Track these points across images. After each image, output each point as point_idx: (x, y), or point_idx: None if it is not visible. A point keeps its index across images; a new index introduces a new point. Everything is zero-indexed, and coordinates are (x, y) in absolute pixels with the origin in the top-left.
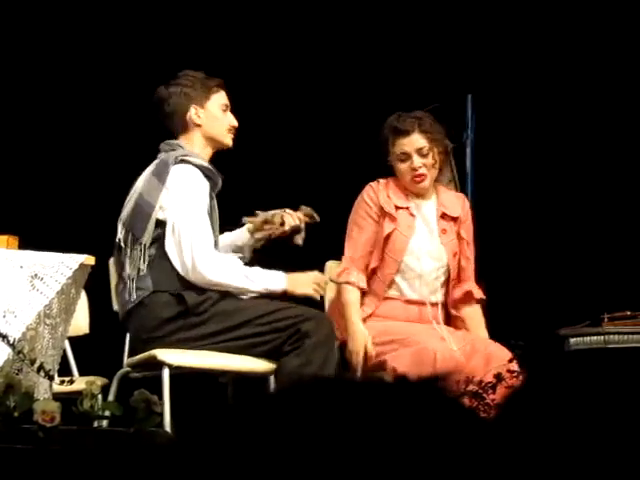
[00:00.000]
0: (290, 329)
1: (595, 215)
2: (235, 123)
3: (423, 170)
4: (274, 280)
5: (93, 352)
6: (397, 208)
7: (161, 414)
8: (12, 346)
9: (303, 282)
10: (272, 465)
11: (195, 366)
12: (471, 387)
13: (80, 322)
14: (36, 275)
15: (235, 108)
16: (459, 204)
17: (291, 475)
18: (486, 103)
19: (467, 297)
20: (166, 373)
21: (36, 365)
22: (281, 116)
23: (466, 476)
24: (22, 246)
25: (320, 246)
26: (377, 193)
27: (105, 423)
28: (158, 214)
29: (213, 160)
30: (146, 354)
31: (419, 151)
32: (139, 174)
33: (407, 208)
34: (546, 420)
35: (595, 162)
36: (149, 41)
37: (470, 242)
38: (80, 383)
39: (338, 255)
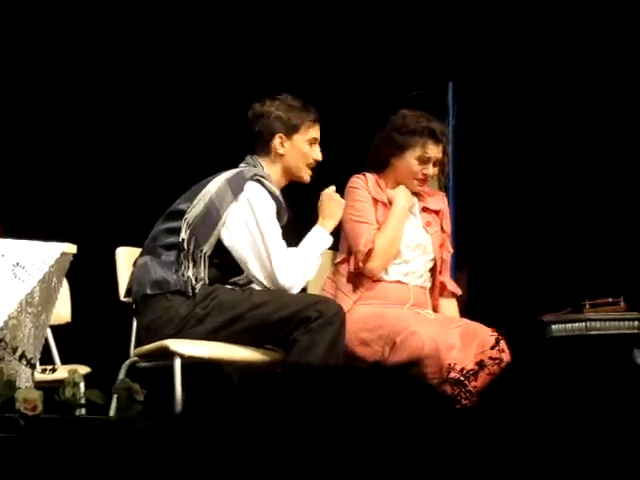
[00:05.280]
0: (296, 316)
1: (577, 202)
2: (318, 157)
3: (429, 178)
4: (323, 241)
5: (75, 341)
6: (388, 201)
7: (142, 402)
8: None
9: (335, 210)
10: (246, 454)
11: (208, 357)
12: (453, 374)
13: (62, 311)
14: (18, 263)
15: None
16: (439, 199)
17: (266, 464)
18: (467, 90)
19: (442, 288)
20: (178, 363)
21: (18, 354)
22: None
23: (440, 463)
24: (4, 234)
25: (301, 237)
26: (366, 182)
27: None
28: (222, 230)
29: (285, 191)
30: (157, 344)
31: (436, 161)
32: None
33: (392, 203)
34: (527, 407)
35: (575, 149)
36: (144, 36)
37: (450, 236)
38: (62, 371)
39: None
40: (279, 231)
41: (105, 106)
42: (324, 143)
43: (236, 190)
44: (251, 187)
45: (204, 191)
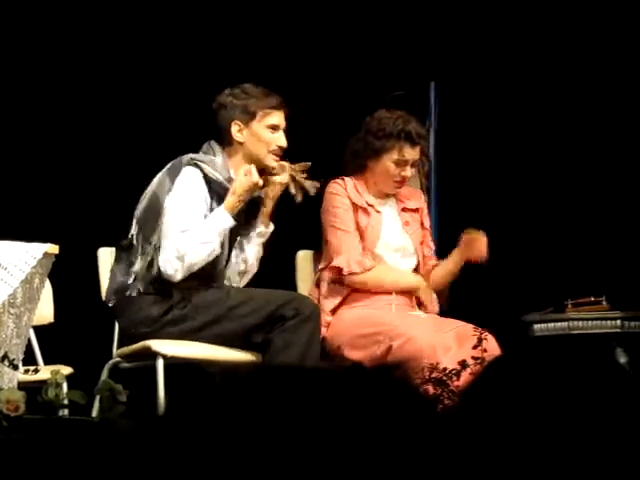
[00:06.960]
0: (272, 317)
1: (559, 202)
2: (281, 144)
3: (407, 179)
4: (221, 220)
5: (58, 341)
6: (367, 204)
7: (125, 403)
8: None
9: (243, 190)
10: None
11: (190, 357)
12: (435, 374)
13: (44, 311)
14: (0, 264)
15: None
16: (417, 197)
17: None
18: (449, 90)
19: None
20: (160, 363)
21: (0, 355)
22: None
23: (419, 463)
24: None
25: (291, 237)
26: (345, 187)
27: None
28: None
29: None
30: (140, 344)
31: (414, 162)
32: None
33: (372, 205)
34: (509, 407)
35: (558, 149)
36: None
37: (431, 232)
38: (45, 372)
39: (309, 245)
40: (190, 215)
41: (86, 105)
42: (306, 143)
43: (174, 177)
44: (186, 171)
45: (149, 187)
